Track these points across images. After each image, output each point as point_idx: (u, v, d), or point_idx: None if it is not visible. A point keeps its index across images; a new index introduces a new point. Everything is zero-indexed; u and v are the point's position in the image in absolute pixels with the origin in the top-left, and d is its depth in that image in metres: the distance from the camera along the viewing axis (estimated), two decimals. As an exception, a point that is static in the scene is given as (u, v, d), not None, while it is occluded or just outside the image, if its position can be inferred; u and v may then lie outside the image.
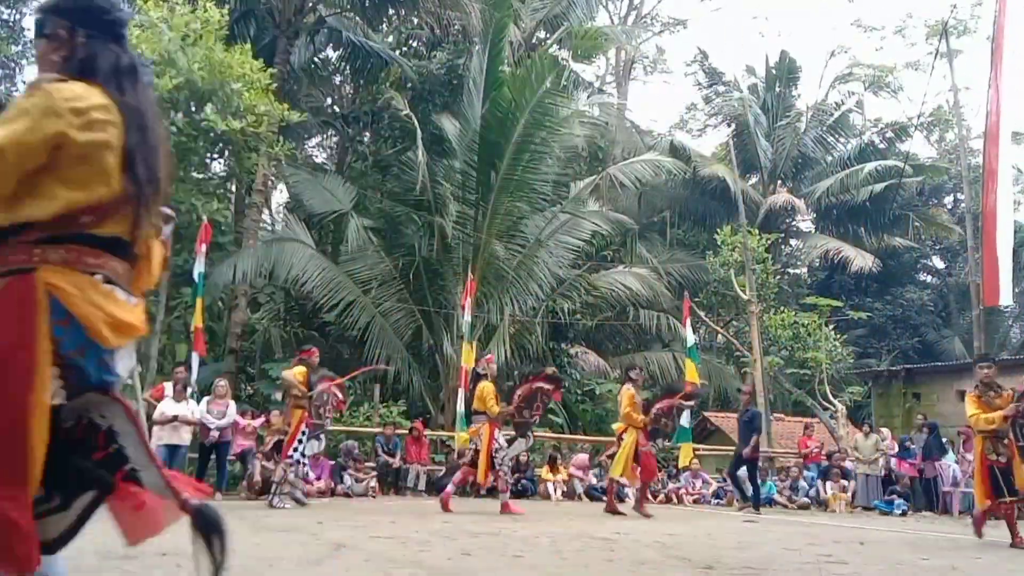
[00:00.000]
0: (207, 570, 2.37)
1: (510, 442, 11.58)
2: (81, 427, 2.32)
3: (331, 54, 26.10)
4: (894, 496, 16.91)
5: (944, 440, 17.99)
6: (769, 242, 24.23)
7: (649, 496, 13.21)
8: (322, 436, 12.21)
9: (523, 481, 16.26)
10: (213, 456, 13.62)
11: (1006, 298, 13.25)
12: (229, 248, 20.37)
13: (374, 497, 14.84)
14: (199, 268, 15.70)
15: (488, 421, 11.18)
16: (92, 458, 2.34)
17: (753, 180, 32.05)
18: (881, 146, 32.90)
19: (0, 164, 2.21)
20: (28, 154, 2.25)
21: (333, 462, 15.47)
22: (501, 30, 21.46)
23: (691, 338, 19.38)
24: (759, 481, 15.42)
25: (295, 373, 11.26)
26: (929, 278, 37.02)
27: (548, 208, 22.97)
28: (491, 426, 11.16)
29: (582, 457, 17.76)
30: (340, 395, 12.33)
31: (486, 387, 11.23)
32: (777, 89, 32.96)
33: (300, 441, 11.15)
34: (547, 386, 11.85)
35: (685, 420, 18.16)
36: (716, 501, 17.36)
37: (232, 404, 13.84)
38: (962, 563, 7.09)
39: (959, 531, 11.24)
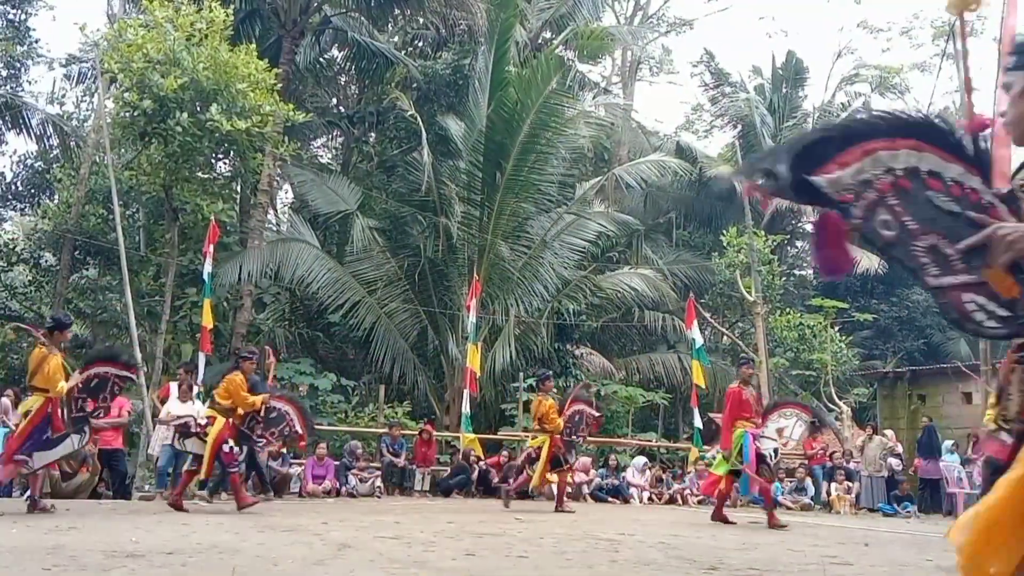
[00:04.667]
0: None
1: None
2: None
3: (336, 54, 26.12)
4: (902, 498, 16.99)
5: (951, 442, 18.03)
6: (775, 243, 24.18)
7: None
8: None
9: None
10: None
11: None
12: (234, 248, 20.39)
13: (379, 497, 14.84)
14: (207, 268, 15.75)
15: None
16: None
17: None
18: (888, 147, 32.75)
19: None
20: None
21: (338, 462, 15.49)
22: (507, 30, 21.45)
23: (699, 339, 19.33)
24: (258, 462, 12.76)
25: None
26: (935, 280, 36.89)
27: (553, 209, 22.98)
28: None
29: (585, 460, 17.74)
30: None
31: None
32: (784, 90, 32.84)
33: None
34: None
35: (698, 421, 18.33)
36: (721, 502, 17.34)
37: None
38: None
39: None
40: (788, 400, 11.85)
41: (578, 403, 12.64)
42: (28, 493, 9.21)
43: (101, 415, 9.92)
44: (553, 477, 12.72)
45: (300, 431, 11.69)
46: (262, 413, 10.79)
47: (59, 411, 8.86)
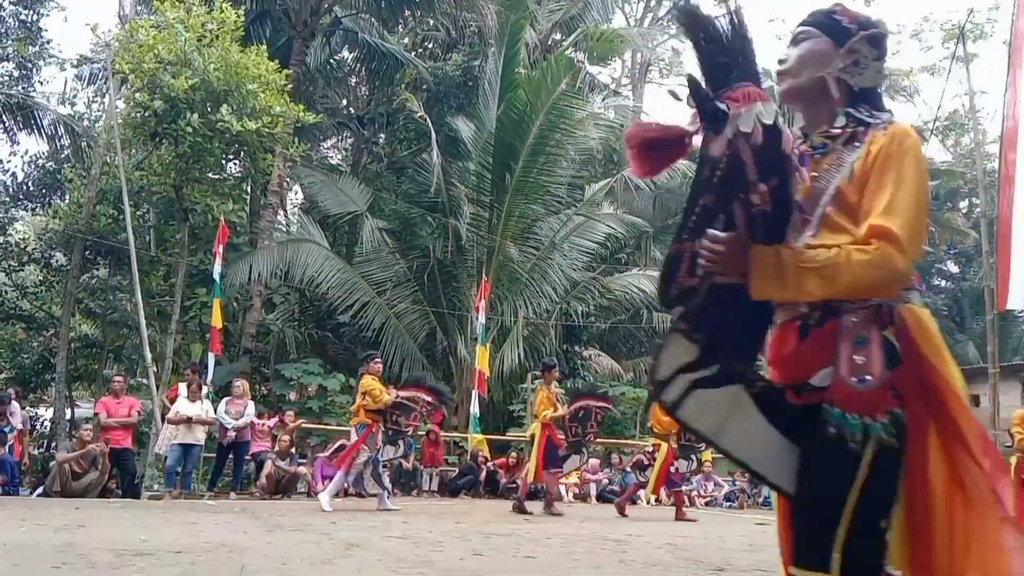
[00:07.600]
0: None
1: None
2: None
3: (347, 55, 26.17)
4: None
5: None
6: (783, 245, 24.09)
7: None
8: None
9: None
10: (230, 456, 13.70)
11: (1016, 302, 13.09)
12: (244, 249, 20.43)
13: (387, 497, 14.82)
14: (218, 269, 15.80)
15: None
16: None
17: (768, 183, 31.90)
18: (897, 150, 32.64)
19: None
20: None
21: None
22: (517, 32, 21.47)
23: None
24: None
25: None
26: (944, 283, 36.78)
27: (563, 210, 22.97)
28: None
29: (593, 461, 17.72)
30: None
31: None
32: (793, 92, 32.76)
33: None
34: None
35: None
36: (728, 504, 17.34)
37: (251, 404, 13.88)
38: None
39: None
40: None
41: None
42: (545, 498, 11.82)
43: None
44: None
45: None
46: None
47: (556, 433, 11.57)
